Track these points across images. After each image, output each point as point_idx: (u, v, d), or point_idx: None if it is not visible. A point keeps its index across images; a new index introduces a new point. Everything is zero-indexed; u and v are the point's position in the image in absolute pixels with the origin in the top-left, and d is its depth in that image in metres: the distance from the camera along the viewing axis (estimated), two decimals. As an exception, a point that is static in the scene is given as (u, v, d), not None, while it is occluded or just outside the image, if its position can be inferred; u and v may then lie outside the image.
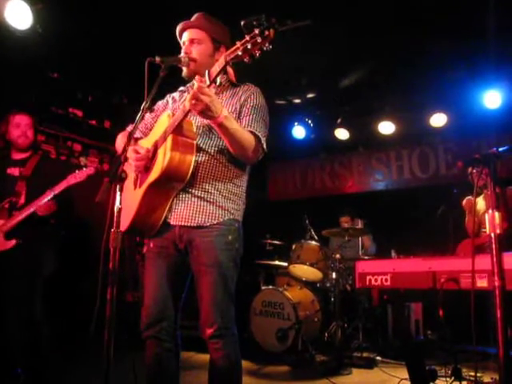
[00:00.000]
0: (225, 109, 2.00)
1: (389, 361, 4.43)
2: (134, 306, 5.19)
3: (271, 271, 5.87)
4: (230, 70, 2.29)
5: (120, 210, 1.83)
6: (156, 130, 2.28)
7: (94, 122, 5.93)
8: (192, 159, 2.09)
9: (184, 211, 2.15)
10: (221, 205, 2.17)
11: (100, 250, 1.82)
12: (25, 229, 3.31)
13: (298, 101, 6.41)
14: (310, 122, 6.82)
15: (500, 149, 1.93)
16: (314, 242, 5.18)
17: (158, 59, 2.08)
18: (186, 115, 2.04)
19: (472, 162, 1.93)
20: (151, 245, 2.26)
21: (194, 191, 2.16)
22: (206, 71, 1.96)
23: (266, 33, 1.72)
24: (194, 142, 2.12)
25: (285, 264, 5.39)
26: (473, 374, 3.32)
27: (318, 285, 5.28)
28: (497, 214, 1.81)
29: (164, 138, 2.10)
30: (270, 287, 5.12)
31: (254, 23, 1.75)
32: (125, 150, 1.90)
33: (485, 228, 3.68)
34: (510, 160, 5.92)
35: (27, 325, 3.24)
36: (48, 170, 3.53)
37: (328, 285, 5.16)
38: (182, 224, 2.15)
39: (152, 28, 4.30)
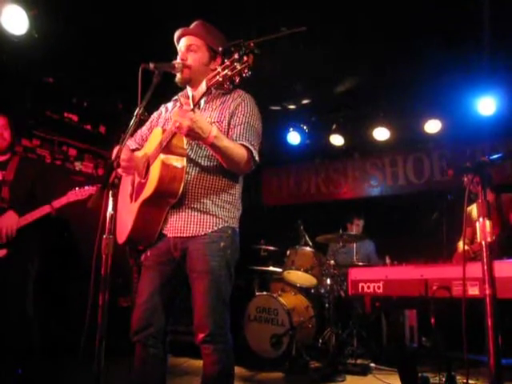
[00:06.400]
0: (214, 127, 2.00)
1: (383, 367, 4.43)
2: (128, 311, 5.18)
3: (265, 277, 5.85)
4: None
5: (112, 216, 1.84)
6: (149, 144, 2.30)
7: (89, 127, 5.92)
8: (182, 176, 2.12)
9: (179, 223, 2.18)
10: (214, 214, 2.19)
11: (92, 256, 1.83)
12: (16, 236, 3.30)
13: (292, 107, 6.41)
14: (305, 127, 6.83)
15: (491, 157, 1.93)
16: (308, 248, 5.17)
17: (151, 65, 2.10)
18: (173, 136, 2.06)
19: (463, 170, 1.93)
20: (148, 253, 2.28)
21: (187, 202, 2.17)
22: (190, 94, 1.98)
23: (245, 58, 1.78)
24: (184, 159, 2.13)
25: (279, 270, 5.39)
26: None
27: (313, 291, 5.28)
28: (488, 223, 1.81)
29: (156, 156, 2.12)
30: (265, 293, 5.10)
31: (232, 49, 1.82)
32: (118, 156, 1.91)
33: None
34: (504, 166, 5.95)
35: (20, 323, 3.23)
36: (29, 171, 3.49)
37: (322, 291, 5.17)
38: (178, 235, 2.18)
39: (147, 34, 4.31)
